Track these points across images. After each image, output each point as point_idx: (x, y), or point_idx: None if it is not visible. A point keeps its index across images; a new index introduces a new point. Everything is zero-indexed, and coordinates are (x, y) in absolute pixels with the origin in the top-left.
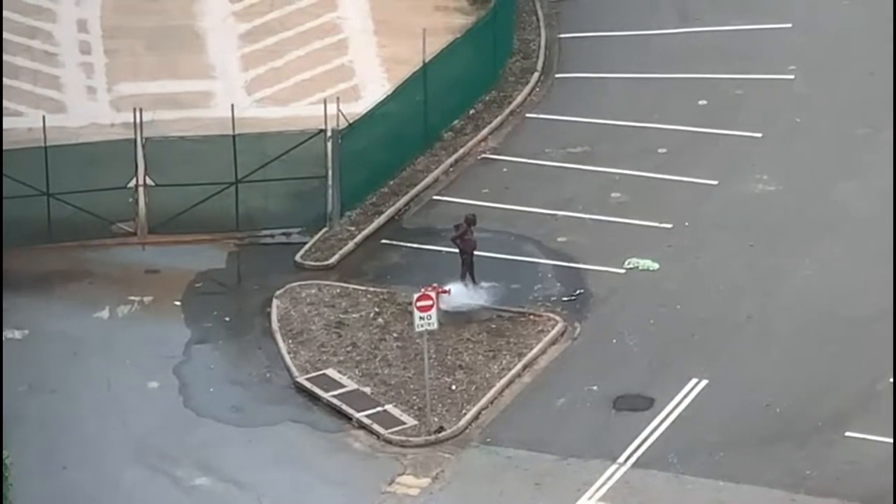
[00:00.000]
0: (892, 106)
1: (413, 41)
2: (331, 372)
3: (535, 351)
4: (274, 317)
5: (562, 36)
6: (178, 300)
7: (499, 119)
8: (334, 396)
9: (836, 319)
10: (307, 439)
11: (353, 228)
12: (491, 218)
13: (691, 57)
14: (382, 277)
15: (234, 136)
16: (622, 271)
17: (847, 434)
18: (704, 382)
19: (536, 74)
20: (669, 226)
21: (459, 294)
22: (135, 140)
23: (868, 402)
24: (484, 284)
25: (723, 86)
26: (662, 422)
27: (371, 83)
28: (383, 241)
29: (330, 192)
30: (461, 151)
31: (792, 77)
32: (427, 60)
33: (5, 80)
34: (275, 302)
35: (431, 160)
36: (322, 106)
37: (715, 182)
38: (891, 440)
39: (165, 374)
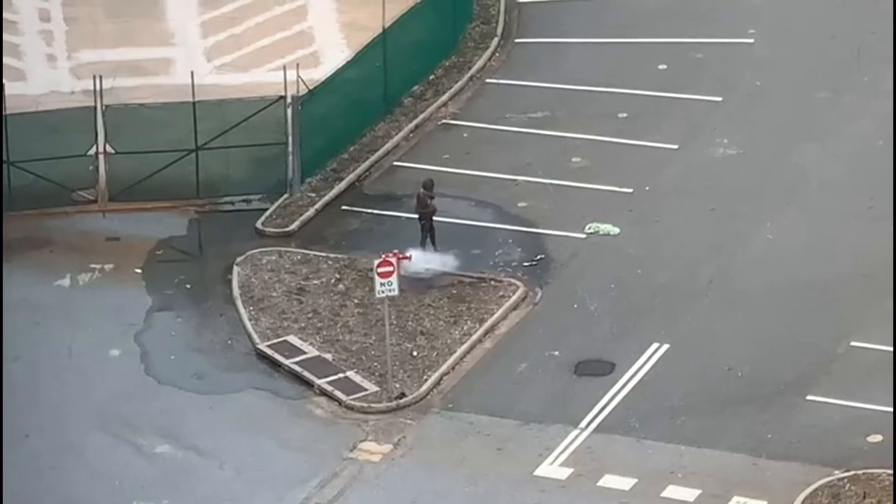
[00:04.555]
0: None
1: (372, 7)
2: (292, 339)
3: (496, 316)
4: (235, 284)
5: (521, 1)
6: (139, 268)
7: (459, 84)
8: (295, 363)
9: (797, 283)
10: (269, 406)
11: (313, 195)
12: (451, 183)
13: (651, 21)
14: (343, 244)
15: (194, 103)
16: (583, 236)
17: (808, 398)
18: (666, 347)
19: (496, 39)
20: (630, 190)
21: (420, 260)
22: (95, 108)
23: (830, 366)
24: (445, 250)
25: (683, 50)
26: (624, 387)
27: (330, 49)
28: (344, 207)
29: (290, 158)
30: (421, 117)
31: (752, 41)
32: (386, 26)
33: None
34: (236, 269)
35: (391, 126)
36: (282, 72)
37: (675, 146)
38: (852, 403)
39: (127, 342)
